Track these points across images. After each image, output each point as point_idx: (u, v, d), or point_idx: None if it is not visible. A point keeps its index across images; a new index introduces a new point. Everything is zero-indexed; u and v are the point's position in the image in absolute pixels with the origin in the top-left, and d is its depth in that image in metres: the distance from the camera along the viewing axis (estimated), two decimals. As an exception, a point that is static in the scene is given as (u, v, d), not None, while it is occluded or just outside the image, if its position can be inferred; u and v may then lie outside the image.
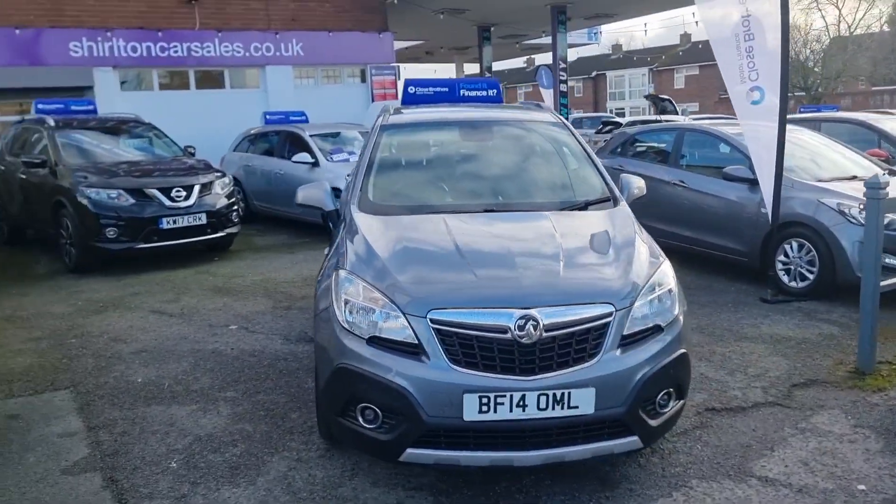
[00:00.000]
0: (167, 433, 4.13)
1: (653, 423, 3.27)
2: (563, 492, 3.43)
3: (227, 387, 4.81)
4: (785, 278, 6.72)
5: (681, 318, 3.47)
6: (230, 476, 3.63)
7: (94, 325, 6.38)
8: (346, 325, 3.31)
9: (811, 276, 6.49)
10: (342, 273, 3.49)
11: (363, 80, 16.57)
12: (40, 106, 10.90)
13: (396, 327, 3.20)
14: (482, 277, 3.32)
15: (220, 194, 9.25)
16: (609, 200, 4.23)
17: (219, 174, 9.61)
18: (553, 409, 3.07)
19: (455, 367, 3.09)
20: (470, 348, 3.11)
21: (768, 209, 6.48)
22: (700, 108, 51.56)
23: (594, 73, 65.33)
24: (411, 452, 3.16)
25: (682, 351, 3.38)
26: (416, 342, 3.15)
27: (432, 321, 3.14)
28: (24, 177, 9.75)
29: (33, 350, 5.73)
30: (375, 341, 3.23)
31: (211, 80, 15.27)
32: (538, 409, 3.06)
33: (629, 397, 3.15)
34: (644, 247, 3.69)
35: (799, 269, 6.61)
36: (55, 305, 7.16)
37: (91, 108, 11.35)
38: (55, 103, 11.14)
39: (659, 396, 3.30)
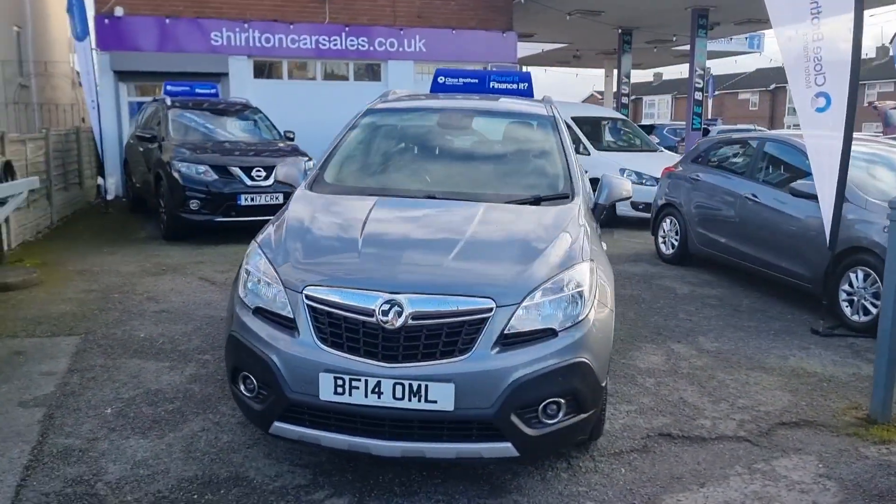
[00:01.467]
0: (125, 383, 4.42)
1: (531, 432, 3.04)
2: (446, 491, 3.29)
3: (208, 350, 5.05)
4: (847, 310, 5.97)
5: (590, 325, 3.19)
6: (146, 428, 3.82)
7: (143, 285, 6.93)
8: (242, 296, 3.38)
9: (874, 311, 5.71)
10: (252, 245, 3.57)
11: (483, 78, 16.61)
12: (169, 87, 11.97)
13: (277, 301, 3.23)
14: (364, 259, 3.26)
15: (300, 177, 9.68)
16: (567, 197, 3.98)
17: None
18: (410, 400, 2.95)
19: (321, 345, 3.06)
20: (338, 328, 3.07)
21: (826, 231, 5.78)
22: None
23: (773, 86, 60.59)
24: (278, 426, 3.17)
25: (581, 360, 3.12)
26: (291, 317, 3.16)
27: (307, 297, 3.14)
28: (141, 150, 10.76)
29: (79, 300, 6.33)
30: (260, 313, 3.27)
31: (336, 72, 16.00)
32: (394, 398, 2.95)
33: (499, 400, 2.96)
34: (565, 245, 3.44)
35: (863, 301, 5.84)
36: (126, 265, 7.85)
37: (213, 91, 12.30)
38: (182, 86, 12.19)
39: (543, 405, 3.07)
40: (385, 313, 3.00)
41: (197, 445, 3.65)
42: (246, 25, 14.90)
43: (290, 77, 15.80)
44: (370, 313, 3.02)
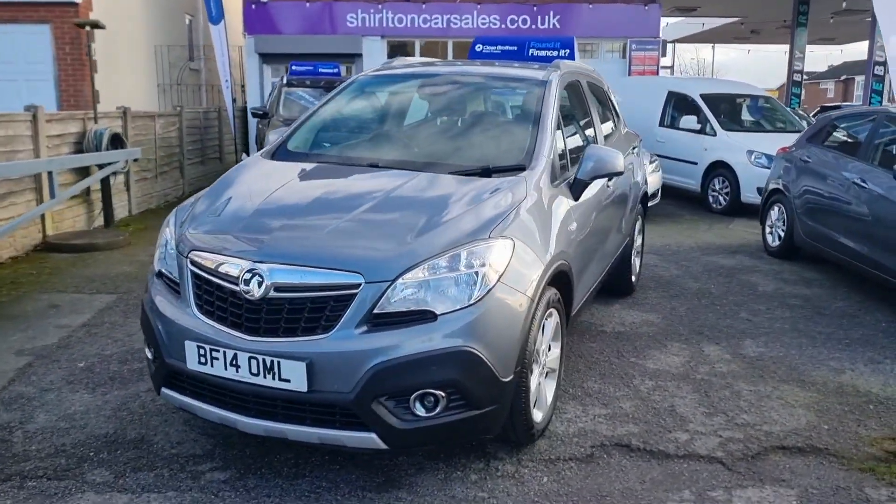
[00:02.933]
0: (116, 341, 4.62)
1: (399, 424, 2.75)
2: (334, 478, 3.08)
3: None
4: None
5: (485, 310, 2.82)
6: (98, 384, 3.96)
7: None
8: (155, 260, 3.37)
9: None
10: (174, 210, 3.53)
11: (623, 55, 15.66)
12: (294, 67, 12.50)
13: (170, 265, 3.19)
14: (245, 227, 3.10)
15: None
16: (522, 169, 3.54)
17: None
18: (265, 377, 2.77)
19: (196, 312, 2.98)
20: (211, 296, 2.96)
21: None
22: None
23: (843, 77, 50.44)
24: (164, 391, 3.13)
25: (465, 348, 2.76)
26: (178, 281, 3.09)
27: (191, 262, 3.05)
28: (259, 127, 11.33)
29: (144, 262, 6.75)
30: (160, 276, 3.25)
31: (466, 50, 15.84)
32: (250, 373, 2.79)
33: (358, 385, 2.69)
34: (476, 220, 3.05)
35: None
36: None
37: (335, 71, 12.66)
38: (306, 65, 12.68)
39: (416, 396, 2.75)
40: (247, 282, 2.83)
41: (129, 406, 3.71)
42: (380, 7, 15.17)
43: (422, 56, 15.89)
44: (236, 281, 2.87)
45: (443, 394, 2.78)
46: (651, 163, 9.55)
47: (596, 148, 3.86)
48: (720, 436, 3.53)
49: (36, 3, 12.12)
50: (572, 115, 4.47)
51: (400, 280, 2.77)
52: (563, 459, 3.28)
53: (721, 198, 10.49)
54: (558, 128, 3.94)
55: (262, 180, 3.58)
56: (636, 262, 5.99)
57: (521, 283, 3.00)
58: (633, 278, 5.88)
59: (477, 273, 2.86)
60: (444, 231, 2.96)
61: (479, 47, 5.63)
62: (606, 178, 4.41)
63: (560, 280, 3.50)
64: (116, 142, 8.57)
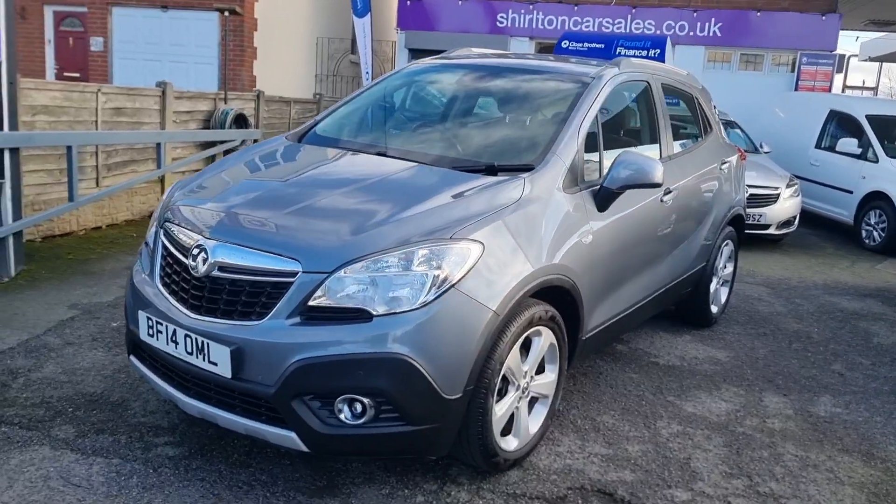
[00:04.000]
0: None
1: (320, 427, 2.56)
2: (279, 473, 2.94)
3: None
4: None
5: (430, 317, 2.55)
6: (116, 345, 4.11)
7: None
8: (148, 229, 3.41)
9: None
10: (176, 182, 3.55)
11: (792, 69, 14.25)
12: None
13: (151, 234, 3.20)
14: (214, 202, 3.02)
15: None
16: (529, 169, 3.19)
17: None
18: (197, 357, 2.69)
19: (158, 283, 2.96)
20: (170, 266, 2.93)
21: None
22: None
23: None
24: (131, 359, 3.14)
25: (398, 356, 2.52)
26: (152, 250, 3.10)
27: (163, 232, 3.04)
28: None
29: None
30: (146, 245, 3.27)
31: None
32: (186, 351, 2.72)
33: (280, 379, 2.53)
34: (446, 216, 2.77)
35: None
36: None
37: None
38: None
39: (341, 400, 2.55)
40: (194, 258, 2.76)
41: (129, 370, 3.79)
42: (531, 7, 14.92)
43: (570, 60, 15.43)
44: (184, 253, 2.81)
45: (370, 402, 2.54)
46: (789, 186, 8.58)
47: (630, 154, 3.41)
48: (728, 503, 2.99)
49: (207, -9, 13.09)
50: (628, 118, 4.02)
51: (340, 273, 2.57)
52: (529, 497, 2.92)
53: (876, 233, 9.21)
54: (596, 131, 3.53)
55: (263, 159, 3.52)
56: (721, 292, 5.33)
57: (486, 294, 2.68)
58: (715, 310, 5.24)
59: (427, 275, 2.59)
60: (405, 225, 2.72)
61: (564, 43, 5.25)
62: (661, 192, 3.95)
63: (558, 297, 3.13)
64: (240, 121, 9.02)
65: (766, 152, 9.92)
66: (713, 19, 14.20)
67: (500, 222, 2.84)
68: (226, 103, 9.08)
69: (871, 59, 25.09)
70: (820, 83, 13.82)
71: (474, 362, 2.66)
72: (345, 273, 2.57)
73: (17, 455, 2.94)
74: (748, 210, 8.19)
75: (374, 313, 2.54)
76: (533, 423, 3.16)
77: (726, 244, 5.18)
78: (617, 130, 3.93)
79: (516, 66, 4.11)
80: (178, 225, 2.96)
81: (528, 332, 2.94)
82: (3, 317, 4.40)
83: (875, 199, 9.27)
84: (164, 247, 2.99)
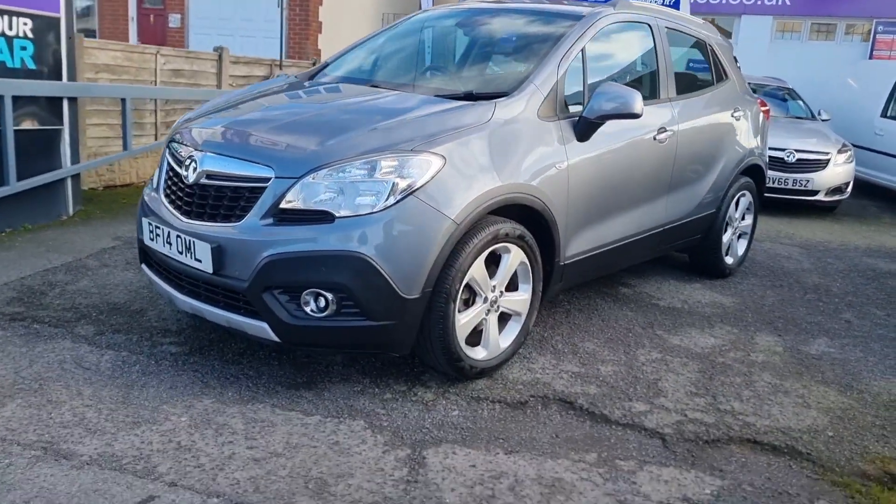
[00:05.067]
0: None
1: (287, 318, 2.83)
2: (270, 371, 3.24)
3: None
4: None
5: (387, 220, 2.78)
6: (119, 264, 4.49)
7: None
8: None
9: None
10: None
11: (867, 38, 13.60)
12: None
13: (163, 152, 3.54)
14: (212, 122, 3.31)
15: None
16: (504, 95, 3.35)
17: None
18: (185, 255, 3.01)
19: (161, 195, 3.29)
20: (170, 179, 3.26)
21: None
22: None
23: None
24: (143, 267, 3.50)
25: (356, 254, 2.76)
26: (159, 167, 3.44)
27: (168, 149, 3.38)
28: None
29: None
30: (158, 168, 3.62)
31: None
32: (178, 251, 3.05)
33: (252, 273, 2.82)
34: (409, 131, 2.98)
35: None
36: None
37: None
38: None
39: (306, 293, 2.81)
40: (187, 167, 3.07)
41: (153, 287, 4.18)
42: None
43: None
44: (181, 165, 3.13)
45: (332, 297, 2.79)
46: (841, 152, 8.33)
47: (610, 84, 3.52)
48: (685, 416, 3.10)
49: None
50: (625, 57, 4.10)
51: (308, 178, 2.82)
52: (490, 400, 3.12)
53: (940, 204, 8.81)
54: (582, 66, 3.65)
55: (265, 91, 3.81)
56: (738, 244, 5.32)
57: (445, 203, 2.88)
58: (731, 261, 5.23)
59: (387, 182, 2.81)
60: (372, 137, 2.95)
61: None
62: (655, 130, 4.04)
63: (530, 218, 3.29)
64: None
65: (824, 119, 9.61)
66: (783, -14, 13.69)
67: (465, 139, 3.03)
68: (281, 69, 9.49)
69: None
70: (895, 52, 13.16)
71: (432, 266, 2.86)
72: (312, 179, 2.82)
73: (42, 345, 3.35)
74: (795, 176, 8.08)
75: (338, 215, 2.78)
76: (504, 338, 3.34)
77: (742, 195, 5.15)
78: (611, 68, 4.01)
79: (516, 9, 4.25)
80: (179, 143, 3.28)
81: (496, 246, 3.12)
82: (54, 244, 4.89)
83: None
84: (168, 163, 3.32)
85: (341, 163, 2.83)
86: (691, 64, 4.93)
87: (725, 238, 5.09)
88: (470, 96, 3.38)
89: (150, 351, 3.36)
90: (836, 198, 8.45)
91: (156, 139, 7.43)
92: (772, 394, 3.38)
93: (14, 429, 2.64)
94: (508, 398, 3.15)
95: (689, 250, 5.10)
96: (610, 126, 3.62)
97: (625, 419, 3.04)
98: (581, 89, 3.64)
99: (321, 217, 2.81)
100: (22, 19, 5.13)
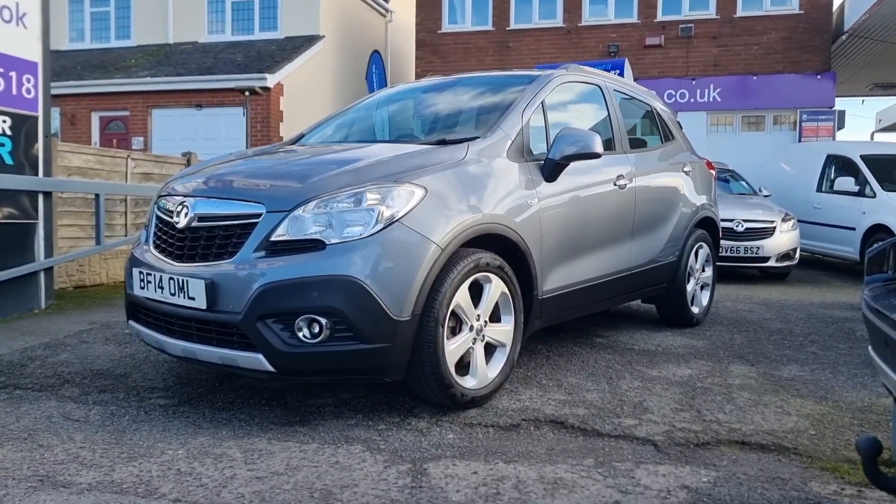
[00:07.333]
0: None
1: (282, 346, 2.89)
2: (261, 413, 3.25)
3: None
4: None
5: (375, 245, 2.92)
6: (129, 343, 4.49)
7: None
8: None
9: None
10: (179, 176, 4.06)
11: (794, 126, 14.68)
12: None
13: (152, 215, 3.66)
14: (199, 175, 3.47)
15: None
16: (472, 140, 3.61)
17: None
18: (178, 296, 3.08)
19: (151, 247, 3.39)
20: (158, 230, 3.37)
21: None
22: None
23: None
24: (130, 323, 3.54)
25: (346, 277, 2.87)
26: (147, 224, 3.56)
27: (157, 206, 3.51)
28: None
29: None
30: (144, 228, 3.73)
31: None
32: (170, 293, 3.12)
33: (247, 304, 2.90)
34: (387, 167, 3.19)
35: None
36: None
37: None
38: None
39: (300, 320, 2.89)
40: (178, 214, 3.20)
41: (137, 356, 4.20)
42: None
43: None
44: (172, 214, 3.25)
45: (326, 322, 2.87)
46: (785, 220, 8.84)
47: (569, 128, 3.82)
48: (673, 426, 3.19)
49: (236, 89, 14.21)
50: (579, 114, 4.46)
51: (297, 211, 2.98)
52: (483, 425, 3.16)
53: (882, 266, 9.27)
54: (543, 115, 3.97)
55: (247, 153, 4.02)
56: (700, 293, 5.56)
57: (429, 229, 3.05)
58: (696, 311, 5.45)
59: (373, 211, 2.98)
60: (356, 173, 3.14)
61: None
62: (615, 178, 4.34)
63: (508, 251, 3.47)
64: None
65: (765, 195, 10.22)
66: (712, 86, 14.83)
67: (443, 173, 3.25)
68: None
69: (886, 130, 25.34)
70: (822, 139, 14.18)
71: (420, 289, 2.99)
72: (302, 211, 2.98)
73: (27, 405, 3.31)
74: (746, 244, 8.51)
75: (328, 243, 2.92)
76: (492, 368, 3.43)
77: (700, 246, 5.45)
78: (568, 121, 4.34)
79: (478, 78, 4.62)
80: (167, 196, 3.42)
81: (477, 275, 3.27)
82: (30, 330, 4.86)
83: (877, 232, 9.41)
84: (157, 216, 3.45)
85: (329, 195, 3.00)
86: (640, 124, 5.33)
87: (689, 287, 5.32)
88: (442, 142, 3.63)
89: (139, 405, 3.34)
90: (787, 263, 8.87)
91: (125, 235, 7.52)
92: (752, 406, 3.49)
93: (7, 467, 2.59)
94: (500, 422, 3.20)
95: (657, 300, 5.30)
96: (574, 170, 3.89)
97: (616, 431, 3.11)
98: (544, 136, 3.94)
99: (313, 245, 2.94)
100: (1, 117, 5.32)
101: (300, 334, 2.89)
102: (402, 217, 3.01)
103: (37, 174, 5.67)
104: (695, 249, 5.36)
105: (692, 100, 14.91)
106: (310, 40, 16.14)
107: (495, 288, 3.38)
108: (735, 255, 8.64)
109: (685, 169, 5.33)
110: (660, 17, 15.20)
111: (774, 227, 8.70)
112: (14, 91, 5.40)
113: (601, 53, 15.34)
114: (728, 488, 2.55)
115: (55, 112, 15.99)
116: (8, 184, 5.36)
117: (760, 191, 10.35)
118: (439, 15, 16.62)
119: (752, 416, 3.34)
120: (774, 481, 2.64)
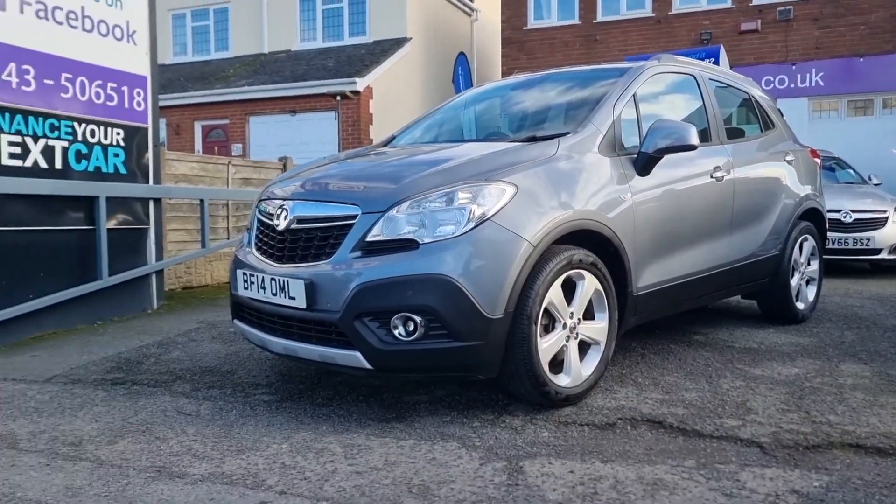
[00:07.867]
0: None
1: (378, 344, 2.96)
2: (359, 410, 3.34)
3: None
4: None
5: (467, 243, 2.94)
6: (235, 341, 4.70)
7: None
8: None
9: None
10: (279, 178, 4.21)
11: (907, 110, 13.75)
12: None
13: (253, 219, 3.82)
14: (297, 179, 3.59)
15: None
16: (563, 135, 3.57)
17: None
18: (279, 296, 3.20)
19: (254, 249, 3.54)
20: (261, 232, 3.52)
21: None
22: None
23: None
24: (235, 322, 3.71)
25: (440, 275, 2.91)
26: (249, 227, 3.72)
27: (257, 209, 3.66)
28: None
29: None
30: (246, 231, 3.90)
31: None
32: (272, 293, 3.25)
33: (345, 303, 2.99)
34: (478, 166, 3.20)
35: None
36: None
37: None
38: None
39: (396, 318, 2.95)
40: (278, 217, 3.33)
41: (241, 354, 4.39)
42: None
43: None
44: (273, 217, 3.39)
45: (421, 320, 2.92)
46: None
47: (663, 120, 3.73)
48: (780, 427, 3.06)
49: (327, 94, 14.62)
50: (674, 104, 4.34)
51: (391, 211, 3.04)
52: (578, 424, 3.13)
53: None
54: (635, 108, 3.89)
55: (339, 157, 4.13)
56: (805, 288, 5.29)
57: (521, 227, 3.04)
58: (802, 306, 5.20)
59: (465, 209, 3.01)
60: (447, 172, 3.17)
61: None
62: (712, 169, 4.21)
63: (601, 247, 3.42)
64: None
65: (876, 184, 9.63)
66: (814, 70, 14.08)
67: (534, 171, 3.23)
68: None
69: None
70: (940, 121, 13.22)
71: (513, 286, 2.99)
72: (396, 212, 3.04)
73: (143, 399, 3.53)
74: (855, 236, 8.05)
75: (422, 242, 2.97)
76: (586, 366, 3.39)
77: (805, 238, 5.19)
78: (661, 113, 4.23)
79: (567, 73, 4.57)
80: (268, 200, 3.56)
81: (570, 272, 3.24)
82: (143, 329, 5.17)
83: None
84: (258, 219, 3.59)
85: (421, 195, 3.05)
86: (737, 113, 5.13)
87: (794, 282, 5.08)
88: (532, 139, 3.62)
89: (245, 400, 3.50)
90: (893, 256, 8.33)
91: (228, 239, 7.87)
92: (867, 407, 3.31)
93: (128, 458, 2.77)
94: (596, 421, 3.16)
95: (759, 296, 5.10)
96: (668, 162, 3.79)
97: (718, 432, 3.01)
98: (636, 129, 3.85)
99: (407, 245, 2.99)
100: (115, 129, 5.68)
101: (396, 332, 2.95)
102: (494, 215, 3.02)
103: (147, 182, 6.02)
104: (799, 242, 5.11)
105: (792, 85, 14.20)
106: (397, 43, 16.41)
107: (588, 285, 3.34)
108: (843, 247, 8.18)
109: (787, 158, 5.09)
110: (755, 2, 14.56)
111: (886, 217, 8.18)
112: (126, 105, 5.75)
113: (693, 42, 14.85)
114: (842, 494, 2.43)
115: (162, 123, 16.92)
116: (123, 192, 5.71)
117: (870, 179, 9.76)
118: (525, 11, 16.51)
119: (867, 418, 3.16)
120: (894, 487, 2.49)
